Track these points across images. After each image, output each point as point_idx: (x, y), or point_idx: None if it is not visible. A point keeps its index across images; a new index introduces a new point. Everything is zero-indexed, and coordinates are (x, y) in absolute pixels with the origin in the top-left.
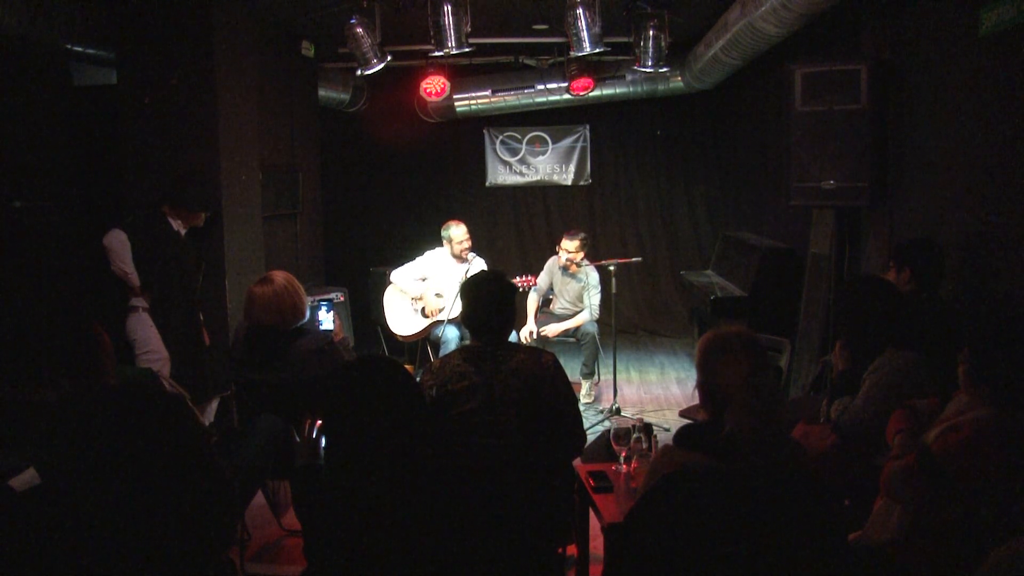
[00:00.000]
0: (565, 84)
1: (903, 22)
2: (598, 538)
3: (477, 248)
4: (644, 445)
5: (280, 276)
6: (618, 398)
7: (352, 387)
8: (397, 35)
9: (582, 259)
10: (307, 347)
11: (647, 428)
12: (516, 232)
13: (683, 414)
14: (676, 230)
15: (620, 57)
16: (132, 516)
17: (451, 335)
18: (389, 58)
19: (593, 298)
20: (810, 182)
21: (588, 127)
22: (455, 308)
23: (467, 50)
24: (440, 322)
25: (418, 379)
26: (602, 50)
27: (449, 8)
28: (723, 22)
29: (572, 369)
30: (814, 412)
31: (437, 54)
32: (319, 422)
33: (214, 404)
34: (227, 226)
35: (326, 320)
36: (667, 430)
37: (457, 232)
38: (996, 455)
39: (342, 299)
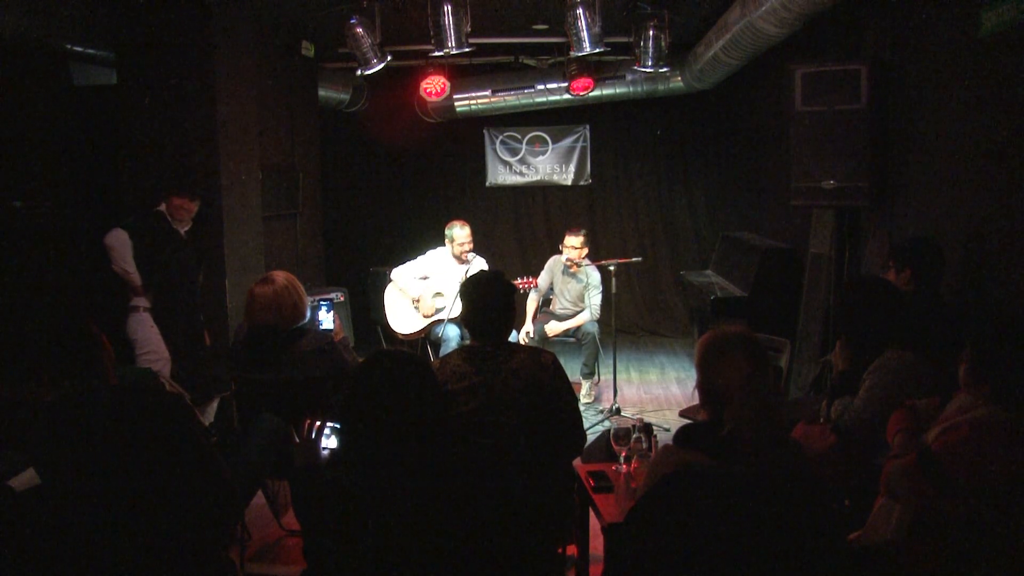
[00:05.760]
0: (565, 84)
1: (903, 22)
2: (598, 538)
3: (477, 248)
4: (644, 445)
5: (281, 276)
6: (618, 398)
7: (376, 380)
8: (397, 35)
9: (584, 256)
10: (307, 347)
11: (647, 428)
12: (516, 232)
13: (683, 414)
14: (676, 230)
15: (620, 57)
16: (132, 516)
17: (451, 335)
18: (389, 58)
19: (594, 298)
20: (810, 182)
21: (588, 127)
22: (455, 308)
23: (467, 50)
24: (440, 321)
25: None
26: (602, 50)
27: (449, 8)
28: (723, 22)
29: (572, 369)
30: (814, 412)
31: (437, 54)
32: (318, 423)
33: (214, 404)
34: (227, 226)
35: (326, 320)
36: (667, 430)
37: (460, 233)
38: (996, 454)
39: (342, 299)
